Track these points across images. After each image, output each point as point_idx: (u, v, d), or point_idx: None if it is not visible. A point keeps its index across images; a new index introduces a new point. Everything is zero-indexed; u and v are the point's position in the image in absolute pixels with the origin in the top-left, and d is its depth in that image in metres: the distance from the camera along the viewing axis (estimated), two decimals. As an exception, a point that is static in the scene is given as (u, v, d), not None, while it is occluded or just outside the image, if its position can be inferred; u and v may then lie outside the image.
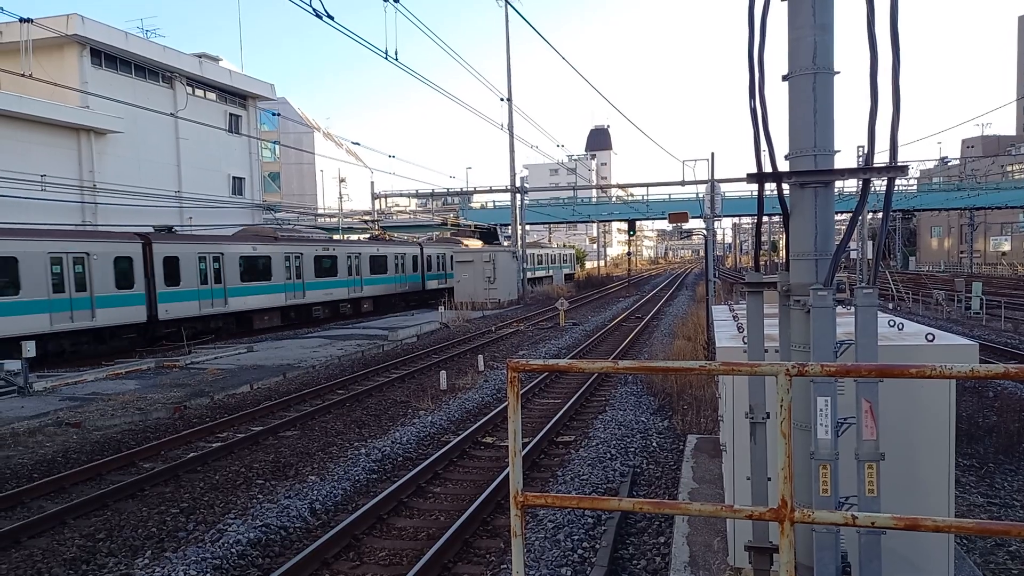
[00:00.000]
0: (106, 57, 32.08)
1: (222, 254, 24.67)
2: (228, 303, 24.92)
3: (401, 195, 60.37)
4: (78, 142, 30.88)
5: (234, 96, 40.51)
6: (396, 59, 18.34)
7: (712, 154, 21.53)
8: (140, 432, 11.44)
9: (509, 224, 45.87)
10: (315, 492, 8.19)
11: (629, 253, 63.96)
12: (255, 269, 26.32)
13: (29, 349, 15.56)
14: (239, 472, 9.17)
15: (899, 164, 3.88)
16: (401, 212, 70.33)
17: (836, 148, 4.01)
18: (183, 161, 36.19)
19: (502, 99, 38.37)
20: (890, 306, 30.21)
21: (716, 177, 21.34)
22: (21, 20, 18.19)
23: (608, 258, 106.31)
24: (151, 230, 24.22)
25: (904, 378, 2.14)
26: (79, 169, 30.81)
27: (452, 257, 41.78)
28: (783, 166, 4.11)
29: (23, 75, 20.00)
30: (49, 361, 18.88)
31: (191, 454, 10.04)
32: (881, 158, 4.08)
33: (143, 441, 10.85)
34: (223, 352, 20.51)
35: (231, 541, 6.73)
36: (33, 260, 18.42)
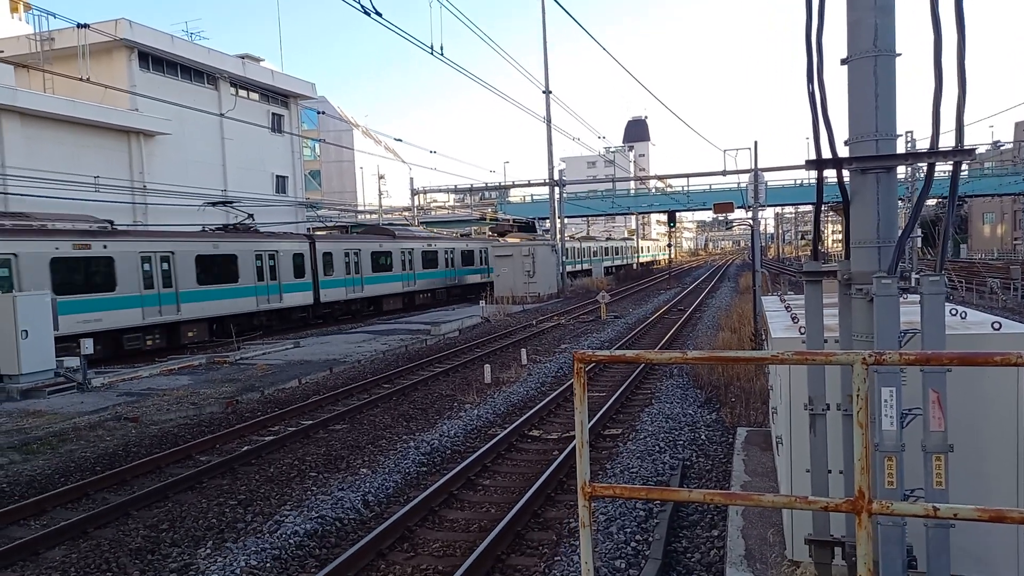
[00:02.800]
0: (153, 60, 32.85)
1: None
2: None
3: (439, 191, 60.77)
4: (128, 144, 31.72)
5: (276, 96, 41.15)
6: (442, 54, 18.46)
7: (755, 142, 21.22)
8: (195, 426, 11.74)
9: (547, 218, 45.76)
10: (367, 484, 8.31)
11: (670, 245, 63.19)
12: None
13: (87, 346, 16.04)
14: (292, 465, 9.35)
15: (965, 147, 3.78)
16: (440, 207, 70.76)
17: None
18: (228, 161, 36.91)
19: (544, 91, 38.27)
20: (942, 295, 29.32)
21: (759, 166, 21.02)
22: (78, 26, 18.75)
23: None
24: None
25: (988, 366, 2.09)
26: (130, 171, 31.66)
27: (372, 252, 31.66)
28: (842, 152, 4.04)
29: (81, 79, 20.61)
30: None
31: (245, 447, 10.28)
32: (945, 140, 3.97)
33: (198, 435, 11.13)
34: (271, 348, 20.92)
35: (288, 532, 6.88)
36: None
